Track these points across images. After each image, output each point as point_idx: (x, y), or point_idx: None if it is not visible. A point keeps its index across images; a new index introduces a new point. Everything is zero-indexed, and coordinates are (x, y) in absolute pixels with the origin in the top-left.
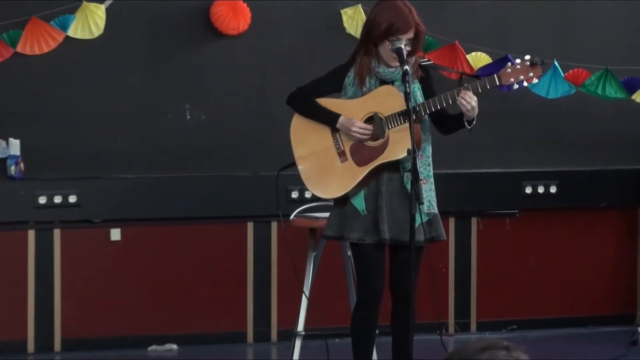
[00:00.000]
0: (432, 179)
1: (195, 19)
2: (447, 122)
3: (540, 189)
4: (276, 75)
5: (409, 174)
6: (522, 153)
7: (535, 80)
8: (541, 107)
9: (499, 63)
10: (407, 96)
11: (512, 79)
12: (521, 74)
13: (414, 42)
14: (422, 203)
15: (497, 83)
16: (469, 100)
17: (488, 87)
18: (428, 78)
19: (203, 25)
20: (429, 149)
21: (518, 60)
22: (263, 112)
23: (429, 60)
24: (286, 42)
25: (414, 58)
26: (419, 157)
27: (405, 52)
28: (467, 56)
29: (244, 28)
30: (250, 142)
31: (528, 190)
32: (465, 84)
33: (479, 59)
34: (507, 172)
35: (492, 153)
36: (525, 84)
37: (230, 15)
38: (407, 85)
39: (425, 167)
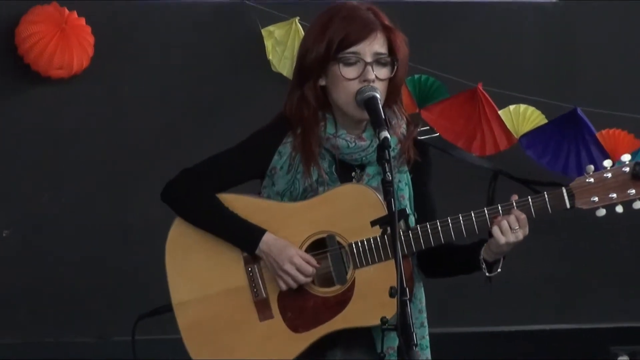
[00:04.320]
0: (427, 351)
1: None
2: (444, 258)
3: None
4: (141, 150)
5: (393, 333)
6: (608, 294)
7: (639, 204)
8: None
9: (563, 125)
10: (388, 187)
11: (596, 199)
12: (613, 191)
13: (391, 61)
14: None
15: (568, 205)
16: (515, 230)
17: (550, 210)
18: (426, 165)
19: (4, 59)
20: (422, 295)
21: (607, 164)
22: (116, 220)
23: (432, 131)
24: (164, 88)
25: (404, 121)
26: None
27: (379, 96)
28: (501, 112)
29: (80, 65)
30: (92, 279)
31: None
32: (513, 201)
33: (523, 116)
34: (583, 329)
35: (549, 295)
36: (619, 209)
37: (54, 42)
38: (388, 167)
39: (418, 327)
